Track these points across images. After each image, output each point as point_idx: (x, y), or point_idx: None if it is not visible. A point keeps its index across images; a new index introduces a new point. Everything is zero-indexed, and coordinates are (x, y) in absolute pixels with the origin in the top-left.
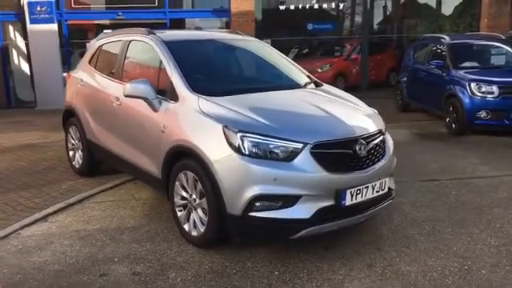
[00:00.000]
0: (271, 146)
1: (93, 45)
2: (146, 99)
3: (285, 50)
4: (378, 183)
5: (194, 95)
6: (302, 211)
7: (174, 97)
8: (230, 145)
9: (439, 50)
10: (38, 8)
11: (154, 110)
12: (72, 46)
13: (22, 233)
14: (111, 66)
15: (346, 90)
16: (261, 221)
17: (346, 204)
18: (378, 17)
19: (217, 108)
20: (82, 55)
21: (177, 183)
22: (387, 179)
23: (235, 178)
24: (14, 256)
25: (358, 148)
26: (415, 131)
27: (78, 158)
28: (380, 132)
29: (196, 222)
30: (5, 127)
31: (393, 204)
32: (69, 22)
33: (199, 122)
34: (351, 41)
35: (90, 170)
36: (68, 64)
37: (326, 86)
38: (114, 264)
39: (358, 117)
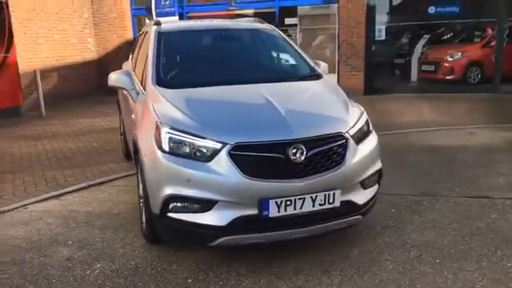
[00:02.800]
0: (193, 145)
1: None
2: (125, 90)
3: (406, 35)
4: (320, 195)
5: (153, 87)
6: (217, 218)
7: (145, 88)
8: (157, 141)
9: None
10: (163, 2)
11: (133, 100)
12: None
13: (30, 207)
14: (135, 56)
15: (483, 81)
16: (177, 223)
17: (270, 215)
18: None
19: (161, 101)
20: None
21: (139, 175)
22: (338, 191)
23: (156, 175)
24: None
25: (292, 153)
26: None
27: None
28: (339, 136)
29: (144, 216)
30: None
31: (394, 221)
32: (189, 14)
33: (147, 115)
34: (492, 25)
35: (129, 155)
36: None
37: (323, 79)
38: (64, 247)
39: (311, 116)
